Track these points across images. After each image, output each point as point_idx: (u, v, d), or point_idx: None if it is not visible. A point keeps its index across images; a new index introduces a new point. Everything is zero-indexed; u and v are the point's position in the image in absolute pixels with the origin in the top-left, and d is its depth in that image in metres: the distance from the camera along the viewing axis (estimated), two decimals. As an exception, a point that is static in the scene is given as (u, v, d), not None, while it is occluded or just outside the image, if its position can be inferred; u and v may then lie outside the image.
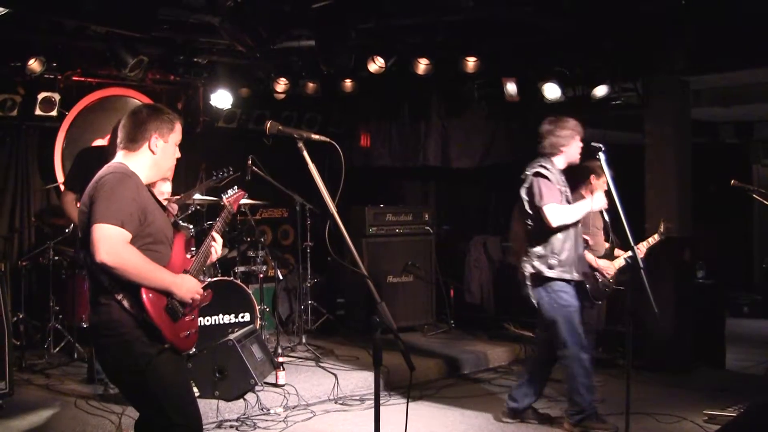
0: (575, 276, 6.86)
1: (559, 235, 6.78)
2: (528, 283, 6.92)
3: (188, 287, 4.30)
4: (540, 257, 6.82)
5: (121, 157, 4.40)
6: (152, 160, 4.41)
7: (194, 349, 7.70)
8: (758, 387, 8.73)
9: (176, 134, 4.49)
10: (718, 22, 8.61)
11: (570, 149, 6.94)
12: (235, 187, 5.30)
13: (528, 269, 6.88)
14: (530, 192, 6.86)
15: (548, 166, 6.88)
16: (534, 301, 6.95)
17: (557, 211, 6.70)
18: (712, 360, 9.70)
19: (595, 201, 6.98)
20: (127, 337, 4.12)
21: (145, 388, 4.22)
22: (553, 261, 6.77)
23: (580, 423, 6.96)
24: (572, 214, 6.80)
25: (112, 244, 4.01)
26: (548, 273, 6.78)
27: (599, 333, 8.55)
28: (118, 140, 4.44)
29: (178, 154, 4.57)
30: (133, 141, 4.38)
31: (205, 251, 4.65)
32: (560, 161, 6.97)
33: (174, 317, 4.24)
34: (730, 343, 10.23)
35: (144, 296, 4.08)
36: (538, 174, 6.83)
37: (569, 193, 7.02)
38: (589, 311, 8.07)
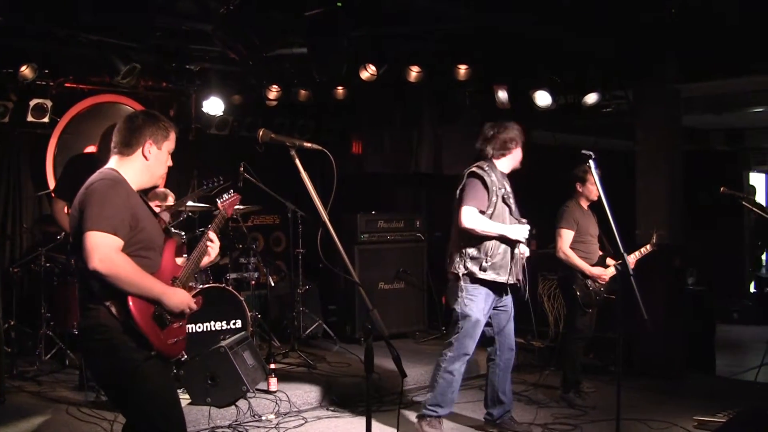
0: (509, 279, 6.87)
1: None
2: (462, 284, 6.87)
3: (179, 298, 4.32)
4: (473, 258, 6.82)
5: (114, 162, 4.41)
6: (144, 166, 4.42)
7: (186, 356, 7.74)
8: (748, 393, 8.76)
9: (170, 142, 4.51)
10: (709, 30, 8.65)
11: (514, 153, 7.04)
12: (231, 191, 5.32)
13: (461, 270, 6.85)
14: (462, 191, 6.90)
15: (486, 168, 6.93)
16: (454, 300, 6.96)
17: (472, 215, 6.71)
18: (702, 366, 9.74)
19: (511, 231, 6.82)
20: (114, 341, 4.14)
21: (130, 392, 4.23)
22: (486, 263, 6.77)
23: (422, 417, 7.05)
24: (484, 226, 6.75)
25: (105, 252, 4.02)
26: (481, 275, 6.79)
27: (590, 340, 8.57)
28: (112, 145, 4.45)
29: (170, 163, 4.57)
30: (128, 146, 4.39)
31: (199, 253, 4.68)
32: (503, 164, 7.04)
33: (161, 325, 4.25)
34: (720, 349, 10.28)
35: (131, 303, 4.10)
36: (472, 174, 6.89)
37: (511, 198, 7.00)
38: (581, 317, 8.10)
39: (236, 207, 5.38)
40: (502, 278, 6.82)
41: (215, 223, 4.97)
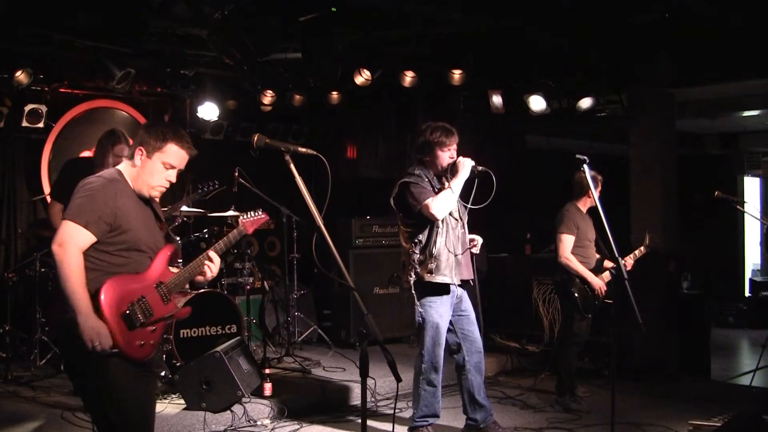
0: (454, 280, 6.80)
1: (438, 239, 6.74)
2: (413, 292, 6.83)
3: (90, 327, 4.12)
4: (420, 263, 6.78)
5: (122, 162, 4.58)
6: (136, 173, 4.49)
7: (181, 361, 7.75)
8: (743, 397, 8.77)
9: (166, 155, 4.46)
10: (704, 35, 8.67)
11: (437, 158, 6.89)
12: (260, 210, 5.25)
13: (412, 277, 6.81)
14: (400, 200, 6.86)
15: (417, 172, 6.87)
16: (415, 309, 6.88)
17: (436, 202, 6.63)
18: (697, 370, 9.73)
19: (464, 170, 6.74)
20: (81, 338, 4.16)
21: (93, 388, 4.30)
22: (432, 265, 6.72)
23: (414, 429, 7.00)
24: (448, 197, 6.69)
25: (65, 240, 4.20)
26: (428, 278, 6.73)
27: (586, 344, 8.57)
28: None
29: (173, 179, 4.55)
30: (131, 150, 4.54)
31: (193, 268, 4.67)
32: (433, 167, 6.95)
33: (130, 325, 4.27)
34: (715, 353, 10.28)
35: (102, 298, 4.16)
36: (404, 183, 6.82)
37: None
38: (578, 322, 8.10)
39: (230, 213, 5.28)
40: (447, 279, 6.75)
41: (229, 237, 4.94)
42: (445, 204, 6.68)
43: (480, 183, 6.80)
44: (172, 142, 4.49)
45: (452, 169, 6.84)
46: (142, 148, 4.44)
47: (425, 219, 6.70)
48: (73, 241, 4.17)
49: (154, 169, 4.48)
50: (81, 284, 4.16)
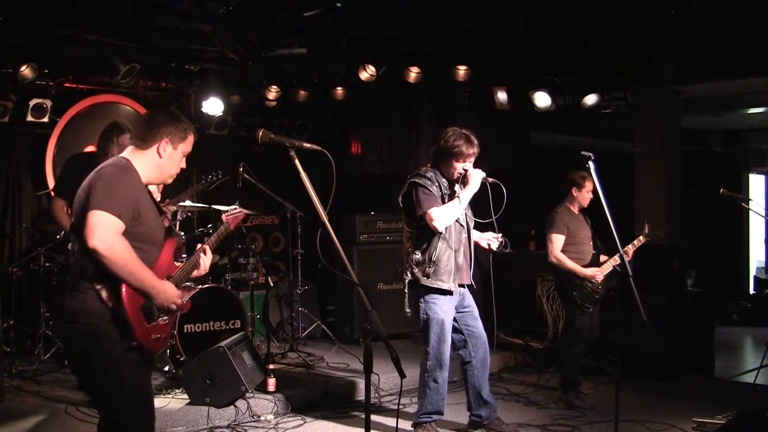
0: (452, 286, 6.79)
1: (439, 243, 6.73)
2: (406, 291, 6.86)
3: (169, 294, 4.32)
4: (418, 264, 6.79)
5: (128, 152, 4.44)
6: (157, 164, 4.44)
7: (185, 356, 7.76)
8: (747, 395, 8.76)
9: (186, 145, 4.51)
10: (709, 32, 8.65)
11: (453, 164, 6.85)
12: (236, 206, 5.31)
13: (408, 277, 6.83)
14: (407, 200, 6.85)
15: (429, 174, 6.85)
16: (408, 310, 6.91)
17: (439, 213, 6.63)
18: (701, 367, 9.74)
19: (473, 184, 6.73)
20: (96, 328, 4.14)
21: (102, 383, 4.24)
22: (429, 269, 6.73)
23: (418, 425, 7.00)
24: (454, 209, 6.69)
25: (106, 232, 4.03)
26: (424, 281, 6.74)
27: (592, 341, 8.57)
28: (130, 136, 4.53)
29: (184, 165, 4.60)
30: (144, 140, 4.42)
31: (192, 262, 4.70)
32: (446, 171, 6.92)
33: (149, 318, 4.26)
34: (719, 350, 10.27)
35: (124, 290, 4.11)
36: (414, 183, 6.81)
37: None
38: (580, 318, 8.10)
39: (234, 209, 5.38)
40: (445, 285, 6.76)
41: (216, 234, 4.99)
42: (448, 216, 6.68)
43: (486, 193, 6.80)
44: (192, 132, 4.55)
45: (462, 180, 6.83)
46: (167, 139, 4.41)
47: (427, 224, 6.70)
48: (111, 230, 4.05)
49: (177, 159, 4.52)
50: (141, 266, 4.16)
